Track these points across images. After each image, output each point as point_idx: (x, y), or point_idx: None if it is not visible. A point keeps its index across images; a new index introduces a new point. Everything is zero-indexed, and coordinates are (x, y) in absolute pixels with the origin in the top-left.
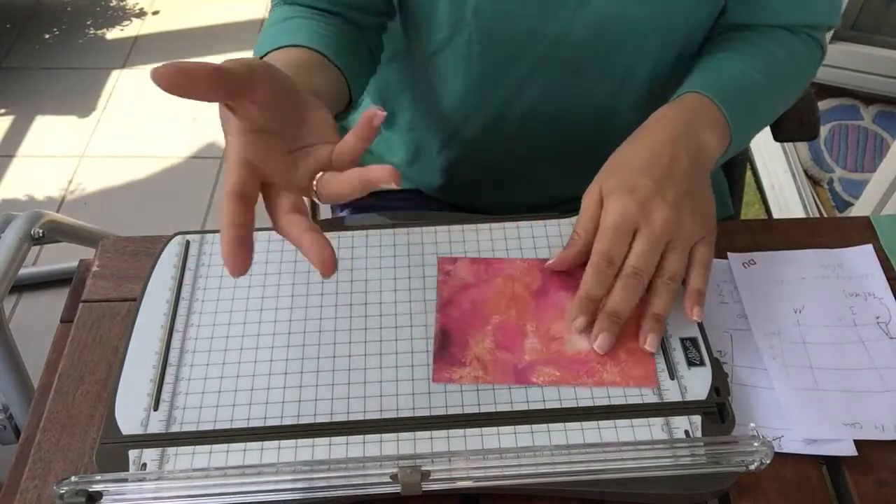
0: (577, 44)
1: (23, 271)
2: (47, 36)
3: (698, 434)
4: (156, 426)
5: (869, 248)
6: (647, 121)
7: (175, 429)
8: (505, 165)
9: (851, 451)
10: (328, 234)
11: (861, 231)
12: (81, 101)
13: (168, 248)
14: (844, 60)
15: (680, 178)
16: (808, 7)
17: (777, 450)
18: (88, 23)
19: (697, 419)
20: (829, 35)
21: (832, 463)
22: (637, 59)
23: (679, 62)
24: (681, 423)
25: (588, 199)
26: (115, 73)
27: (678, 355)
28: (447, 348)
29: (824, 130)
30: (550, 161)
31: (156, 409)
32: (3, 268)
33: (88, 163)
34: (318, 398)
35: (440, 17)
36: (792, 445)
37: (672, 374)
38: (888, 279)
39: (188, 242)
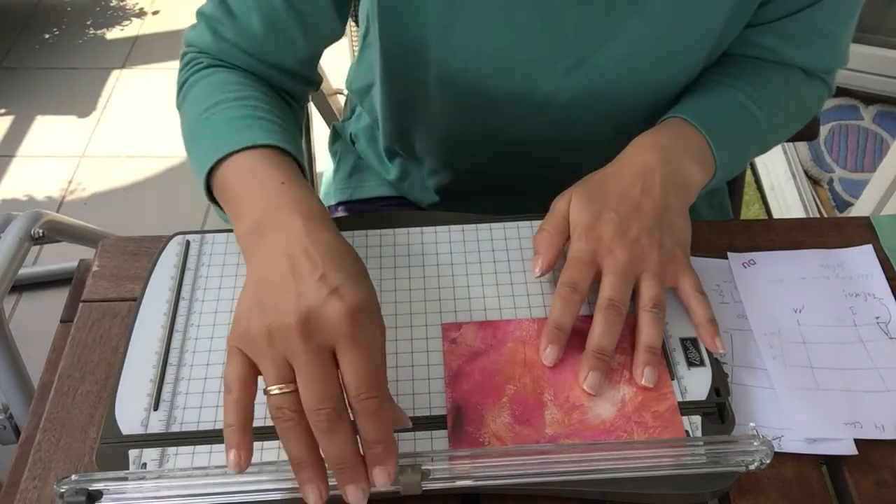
0: (565, 104)
1: (23, 271)
2: (47, 36)
3: (698, 434)
4: (156, 426)
5: (869, 248)
6: (629, 146)
7: (175, 429)
8: (500, 185)
9: (852, 450)
10: None
11: (861, 231)
12: (81, 101)
13: (168, 248)
14: None
15: (648, 211)
16: (820, 54)
17: (777, 450)
18: (88, 23)
19: (697, 419)
20: None
21: (832, 463)
22: (631, 114)
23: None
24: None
25: (560, 205)
26: (115, 73)
27: (678, 355)
28: (462, 427)
29: (824, 130)
30: (550, 183)
31: (156, 408)
32: (3, 268)
33: (88, 163)
34: None
35: (416, 75)
36: (792, 445)
37: (672, 375)
38: (888, 279)
39: (188, 242)
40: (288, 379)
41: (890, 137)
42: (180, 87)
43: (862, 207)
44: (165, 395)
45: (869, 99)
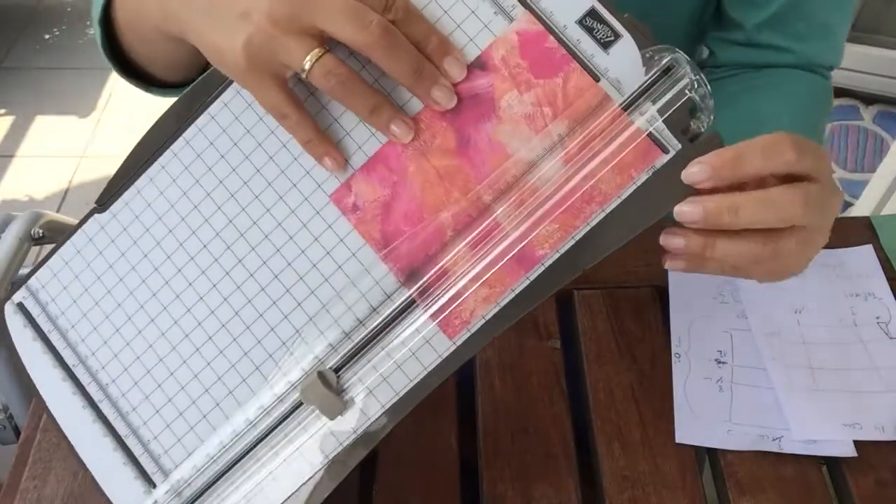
0: None
1: (23, 271)
2: (48, 36)
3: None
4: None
5: (869, 248)
6: None
7: (183, 490)
8: None
9: (851, 451)
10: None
11: (861, 231)
12: (81, 101)
13: None
14: (844, 60)
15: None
16: (820, 46)
17: (777, 450)
18: (89, 23)
19: (652, 110)
20: None
21: (832, 463)
22: None
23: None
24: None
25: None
26: (114, 73)
27: (585, 44)
28: (430, 294)
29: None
30: None
31: (154, 486)
32: (3, 268)
33: (88, 163)
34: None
35: None
36: (792, 445)
37: (594, 75)
38: (888, 279)
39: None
40: (314, 46)
41: (890, 137)
42: None
43: (862, 207)
44: (144, 460)
45: (869, 99)
